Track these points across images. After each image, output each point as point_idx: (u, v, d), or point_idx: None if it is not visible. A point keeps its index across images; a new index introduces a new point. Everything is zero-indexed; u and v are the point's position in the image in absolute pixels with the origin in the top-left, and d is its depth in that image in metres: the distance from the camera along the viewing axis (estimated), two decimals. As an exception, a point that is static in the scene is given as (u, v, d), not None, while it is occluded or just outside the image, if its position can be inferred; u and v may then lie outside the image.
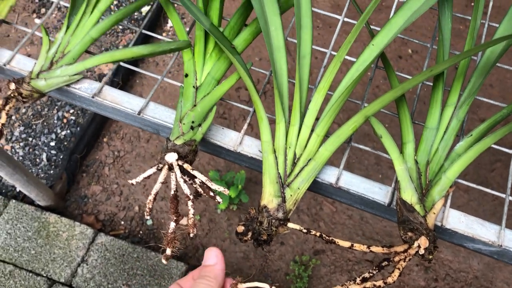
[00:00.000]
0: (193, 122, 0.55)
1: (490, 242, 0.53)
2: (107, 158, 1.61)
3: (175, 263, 1.38)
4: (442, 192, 0.53)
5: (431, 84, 0.60)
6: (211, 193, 0.51)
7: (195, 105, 0.57)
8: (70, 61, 0.59)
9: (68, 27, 0.61)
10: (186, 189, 0.51)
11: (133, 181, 0.52)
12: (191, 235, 0.50)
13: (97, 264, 1.38)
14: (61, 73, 0.58)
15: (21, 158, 1.56)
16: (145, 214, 0.53)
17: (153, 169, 0.52)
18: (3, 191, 1.50)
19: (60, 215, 1.43)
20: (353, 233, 1.53)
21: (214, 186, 0.51)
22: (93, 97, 0.59)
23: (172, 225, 0.50)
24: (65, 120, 1.63)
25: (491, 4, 0.71)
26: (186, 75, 0.59)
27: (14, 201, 1.43)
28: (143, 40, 1.72)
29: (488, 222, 0.54)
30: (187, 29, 0.66)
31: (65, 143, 1.59)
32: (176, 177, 0.51)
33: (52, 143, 1.58)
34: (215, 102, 0.58)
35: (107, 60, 0.59)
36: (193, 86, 0.58)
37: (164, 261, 0.49)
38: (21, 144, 1.58)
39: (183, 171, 0.52)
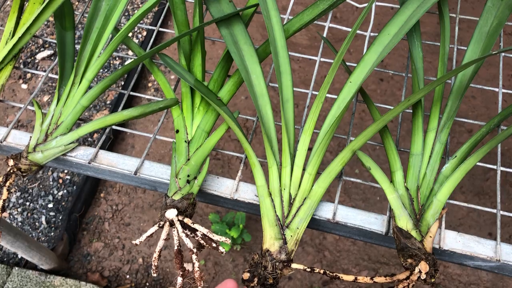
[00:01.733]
0: (188, 175, 0.57)
1: (488, 258, 0.54)
2: (106, 213, 1.61)
3: (185, 312, 1.37)
4: (436, 215, 0.55)
5: (410, 111, 0.63)
6: (213, 244, 0.53)
7: (188, 159, 0.59)
8: (64, 131, 0.61)
9: (59, 99, 0.63)
10: (188, 243, 0.52)
11: (137, 241, 0.53)
12: (199, 287, 0.51)
13: (107, 322, 1.36)
14: (57, 143, 0.60)
15: (20, 223, 1.56)
16: (152, 272, 0.54)
17: (155, 227, 0.53)
18: (5, 259, 1.50)
19: (65, 277, 1.42)
20: (359, 259, 1.53)
21: (215, 237, 0.52)
22: (89, 163, 0.61)
23: (179, 280, 0.52)
24: (60, 181, 1.64)
25: (456, 28, 0.75)
26: (177, 131, 0.61)
27: (17, 268, 1.43)
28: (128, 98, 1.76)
29: (483, 238, 0.56)
30: (173, 86, 0.69)
31: (63, 203, 1.59)
32: (178, 232, 0.53)
33: (50, 205, 1.59)
34: (207, 154, 0.60)
35: (100, 126, 0.61)
36: (185, 141, 0.60)
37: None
38: (19, 209, 1.59)
39: (184, 226, 0.53)
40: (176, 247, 0.53)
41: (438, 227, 0.55)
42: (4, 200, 0.57)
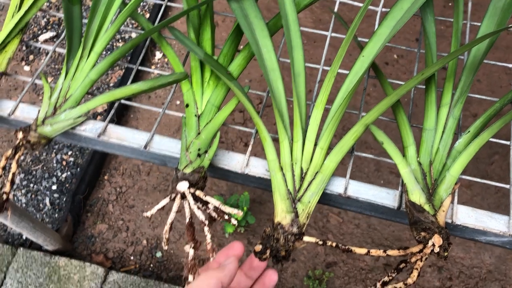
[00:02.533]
0: (199, 149, 0.57)
1: (501, 233, 0.54)
2: (110, 195, 1.61)
3: (189, 293, 1.38)
4: (449, 190, 0.55)
5: (423, 87, 0.62)
6: (226, 216, 0.52)
7: (199, 133, 0.58)
8: (73, 105, 0.60)
9: (67, 72, 0.62)
10: (200, 216, 0.52)
11: (148, 214, 0.53)
12: (211, 259, 0.51)
13: (111, 302, 1.37)
14: (66, 117, 0.59)
15: (24, 205, 1.56)
16: (163, 244, 0.54)
17: (167, 200, 0.53)
18: (10, 240, 1.50)
19: (70, 258, 1.43)
20: (362, 242, 1.53)
21: (228, 209, 0.52)
22: (98, 136, 0.60)
23: (191, 252, 0.51)
24: (64, 163, 1.63)
25: (470, 3, 0.74)
26: (187, 105, 0.61)
27: (22, 249, 1.43)
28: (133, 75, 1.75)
29: (496, 213, 0.55)
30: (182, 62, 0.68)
31: (67, 185, 1.59)
32: (189, 205, 0.52)
33: (54, 187, 1.59)
34: (218, 128, 0.59)
35: (109, 99, 0.60)
36: (195, 115, 0.60)
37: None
38: (23, 191, 1.59)
39: (196, 198, 0.53)
40: (187, 220, 0.53)
41: (450, 201, 0.55)
42: (13, 174, 0.57)
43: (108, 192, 1.61)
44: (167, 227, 0.53)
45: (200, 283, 0.45)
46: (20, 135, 0.57)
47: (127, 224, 1.56)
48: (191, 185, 0.53)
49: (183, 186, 0.53)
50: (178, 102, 1.76)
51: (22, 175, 1.61)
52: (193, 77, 0.62)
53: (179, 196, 0.53)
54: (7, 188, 0.57)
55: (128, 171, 1.65)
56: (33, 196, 1.58)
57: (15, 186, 1.59)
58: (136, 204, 1.59)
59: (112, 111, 0.63)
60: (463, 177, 0.58)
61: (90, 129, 0.61)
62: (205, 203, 0.53)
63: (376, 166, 1.62)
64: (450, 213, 0.56)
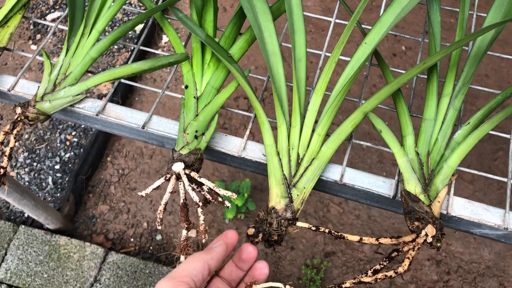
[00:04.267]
0: (196, 131, 0.57)
1: (496, 226, 0.54)
2: (112, 177, 1.62)
3: (187, 276, 1.39)
4: (445, 181, 0.54)
5: (425, 77, 0.62)
6: (220, 199, 0.52)
7: (197, 115, 0.58)
8: (73, 82, 0.60)
9: (68, 49, 0.62)
10: (194, 197, 0.52)
11: (143, 193, 0.53)
12: (203, 241, 0.51)
13: (110, 282, 1.38)
14: (65, 94, 0.59)
15: (27, 183, 1.57)
16: (157, 224, 0.54)
17: (161, 180, 0.53)
18: (12, 217, 1.52)
19: (70, 237, 1.44)
20: (362, 232, 1.53)
21: (221, 191, 0.52)
22: (97, 115, 0.60)
23: (184, 232, 0.52)
24: (68, 143, 1.64)
25: (477, -5, 0.73)
26: (186, 87, 0.60)
27: (23, 226, 1.44)
28: (139, 58, 1.75)
29: (492, 206, 0.55)
30: (183, 43, 0.67)
31: (70, 165, 1.60)
32: (184, 186, 0.52)
33: (57, 166, 1.60)
34: (216, 111, 0.59)
35: (109, 78, 0.60)
36: (194, 97, 0.59)
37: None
38: (26, 169, 1.60)
39: (191, 180, 0.53)
40: (182, 201, 0.53)
41: (446, 193, 0.54)
42: (11, 148, 0.57)
43: (110, 174, 1.62)
44: (161, 207, 0.53)
45: (186, 266, 0.46)
46: (18, 110, 0.57)
47: (128, 206, 1.57)
48: (187, 166, 0.53)
49: (178, 166, 0.52)
50: (183, 87, 1.75)
51: (25, 154, 1.62)
52: (193, 59, 0.62)
53: (174, 176, 0.53)
54: (4, 162, 0.57)
55: (131, 154, 1.66)
56: (36, 175, 1.59)
57: (18, 164, 1.60)
58: (138, 187, 1.60)
59: (112, 90, 0.63)
60: (464, 169, 0.58)
61: (89, 107, 0.61)
62: (200, 185, 0.53)
63: (379, 157, 1.61)
64: (446, 204, 0.55)
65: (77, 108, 0.61)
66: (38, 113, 0.58)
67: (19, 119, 0.57)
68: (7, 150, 0.57)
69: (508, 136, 0.61)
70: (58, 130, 1.66)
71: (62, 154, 1.62)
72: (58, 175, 1.59)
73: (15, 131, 0.57)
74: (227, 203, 0.52)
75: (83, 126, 1.68)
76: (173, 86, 1.77)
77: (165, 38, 1.86)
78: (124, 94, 1.69)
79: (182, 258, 0.50)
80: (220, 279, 0.51)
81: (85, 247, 1.42)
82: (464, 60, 0.62)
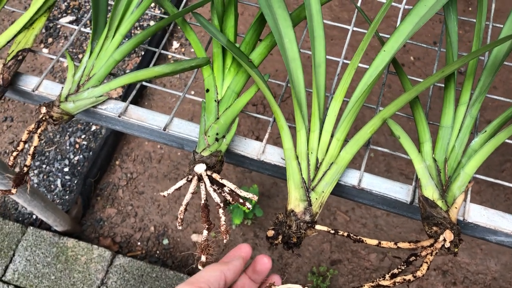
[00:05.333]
0: (217, 134, 0.58)
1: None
2: (120, 181, 1.63)
3: (194, 281, 1.39)
4: (462, 187, 0.55)
5: (441, 85, 0.63)
6: (240, 200, 0.53)
7: (218, 118, 0.59)
8: (96, 83, 0.62)
9: (91, 52, 0.63)
10: (216, 198, 0.53)
11: (165, 193, 0.54)
12: (225, 241, 0.52)
13: (116, 286, 1.39)
14: (88, 95, 0.61)
15: (36, 185, 1.58)
16: (178, 224, 0.55)
17: (183, 181, 0.54)
18: (20, 218, 1.52)
19: (78, 239, 1.45)
20: (368, 241, 1.54)
21: (243, 193, 0.53)
22: (119, 116, 0.61)
23: (205, 233, 0.52)
24: (77, 146, 1.65)
25: (493, 6, 0.74)
26: (207, 90, 0.62)
27: (31, 228, 1.45)
28: (148, 63, 1.76)
29: (508, 214, 0.56)
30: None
31: (79, 168, 1.61)
32: (205, 187, 0.53)
33: (66, 169, 1.61)
34: (237, 114, 0.60)
35: (131, 80, 0.62)
36: (215, 100, 0.61)
37: (200, 268, 0.51)
38: (35, 171, 1.61)
39: (212, 181, 0.54)
40: (203, 202, 0.54)
41: (463, 199, 0.55)
42: (35, 147, 0.58)
43: (118, 177, 1.63)
44: (182, 207, 0.54)
45: (204, 273, 0.46)
46: (43, 110, 0.58)
47: (136, 210, 1.58)
48: (208, 168, 0.54)
49: (200, 168, 0.53)
50: (193, 92, 1.77)
51: (35, 156, 1.63)
52: (214, 63, 0.63)
53: (196, 177, 0.54)
54: (28, 161, 0.58)
55: (140, 158, 1.67)
56: (45, 177, 1.60)
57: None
58: (146, 191, 1.61)
59: (134, 92, 0.64)
60: (477, 176, 0.59)
61: (111, 109, 0.62)
62: (221, 186, 0.54)
63: (386, 166, 1.62)
64: (462, 211, 0.56)
65: (99, 109, 0.62)
66: (62, 113, 0.59)
67: (43, 118, 0.58)
68: (31, 149, 0.58)
69: (523, 145, 0.62)
70: (68, 133, 1.68)
71: (71, 156, 1.63)
72: (67, 177, 1.60)
73: (39, 130, 0.58)
74: (248, 205, 0.53)
75: (93, 129, 1.69)
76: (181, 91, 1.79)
77: (175, 44, 1.88)
78: (133, 99, 1.70)
79: (203, 258, 0.51)
80: None
81: (92, 249, 1.43)
82: (479, 70, 0.63)
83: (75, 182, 1.58)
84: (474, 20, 0.74)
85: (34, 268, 1.40)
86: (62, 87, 0.62)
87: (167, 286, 1.40)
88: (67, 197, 1.56)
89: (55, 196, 1.57)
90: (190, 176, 0.54)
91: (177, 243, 1.53)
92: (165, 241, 1.53)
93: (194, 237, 1.55)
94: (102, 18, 0.67)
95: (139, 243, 1.53)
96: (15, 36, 0.65)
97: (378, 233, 1.54)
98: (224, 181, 0.53)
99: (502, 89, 1.71)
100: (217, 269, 0.47)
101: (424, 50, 1.79)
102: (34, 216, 1.52)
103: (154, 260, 1.49)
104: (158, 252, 1.52)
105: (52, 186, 1.58)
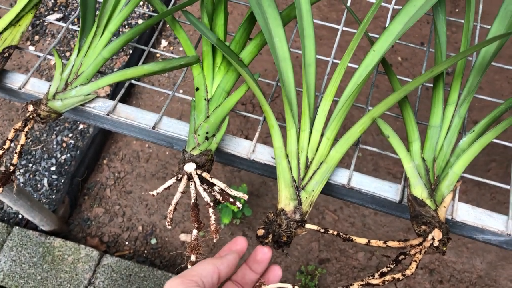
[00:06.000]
0: (207, 133, 0.58)
1: (499, 231, 0.55)
2: (108, 180, 1.62)
3: (182, 280, 1.39)
4: (450, 187, 0.56)
5: (429, 85, 0.63)
6: (231, 199, 0.53)
7: (208, 117, 0.59)
8: (84, 82, 0.61)
9: (79, 49, 0.63)
10: (206, 197, 0.53)
11: (154, 192, 0.53)
12: (214, 240, 0.52)
13: (104, 286, 1.38)
14: (76, 93, 0.60)
15: (22, 184, 1.56)
16: (167, 224, 0.54)
17: (173, 180, 0.54)
18: (5, 218, 1.50)
19: (65, 239, 1.43)
20: (356, 240, 1.55)
21: (233, 192, 0.53)
22: (108, 114, 0.61)
23: (194, 232, 0.52)
24: (64, 144, 1.64)
25: (481, 7, 0.75)
26: (197, 89, 0.61)
27: (17, 227, 1.43)
28: (136, 62, 1.75)
29: (495, 213, 0.56)
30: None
31: (66, 167, 1.59)
32: (195, 186, 0.53)
33: (53, 168, 1.59)
34: (227, 113, 0.60)
35: (120, 78, 0.61)
36: (205, 99, 0.60)
37: (189, 267, 0.50)
38: (21, 170, 1.59)
39: (202, 180, 0.54)
40: (192, 201, 0.53)
41: (451, 198, 0.56)
42: (22, 146, 0.57)
43: (106, 177, 1.62)
44: (171, 206, 0.54)
45: (196, 267, 0.46)
46: (31, 108, 0.57)
47: (124, 210, 1.56)
48: (198, 167, 0.54)
49: (190, 167, 0.53)
50: (181, 91, 1.76)
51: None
52: (204, 62, 0.63)
53: (185, 176, 0.53)
54: (14, 160, 0.57)
55: (128, 157, 1.66)
56: (31, 176, 1.58)
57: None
58: (134, 190, 1.60)
59: (123, 91, 0.63)
60: (464, 175, 0.59)
61: (100, 107, 0.61)
62: (211, 185, 0.54)
63: (374, 166, 1.63)
64: (451, 210, 0.56)
65: (87, 107, 0.61)
66: (50, 111, 0.58)
67: (31, 116, 0.57)
68: (18, 147, 0.58)
69: (509, 144, 0.63)
70: (55, 132, 1.66)
71: (58, 155, 1.61)
72: (54, 176, 1.58)
73: (26, 129, 0.57)
74: (238, 204, 0.53)
75: (80, 127, 1.67)
76: (170, 90, 1.78)
77: (163, 43, 1.87)
78: (122, 98, 1.69)
79: (193, 257, 0.51)
80: (233, 283, 0.51)
81: (79, 249, 1.42)
82: (467, 70, 0.64)
83: (62, 181, 1.57)
84: (461, 21, 0.75)
85: (20, 269, 1.38)
86: (50, 85, 0.62)
87: (155, 286, 1.39)
88: (54, 196, 1.55)
89: (41, 196, 1.55)
90: (180, 175, 0.54)
91: (165, 243, 1.53)
92: (153, 241, 1.52)
93: (183, 237, 1.54)
94: (91, 15, 0.66)
95: (127, 243, 1.52)
96: (1, 33, 0.64)
97: (366, 232, 1.55)
98: (214, 180, 0.53)
99: (488, 90, 1.73)
100: (210, 262, 0.47)
101: (412, 50, 1.81)
102: (20, 216, 1.50)
103: (142, 259, 1.49)
104: (146, 251, 1.51)
105: (38, 185, 1.57)
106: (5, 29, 0.64)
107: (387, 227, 1.56)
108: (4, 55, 0.62)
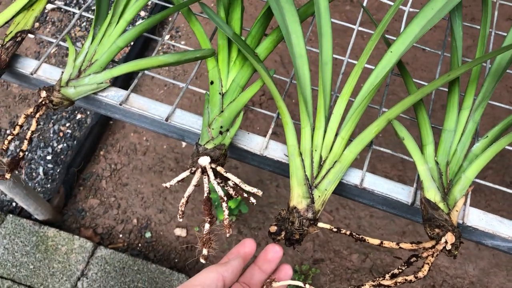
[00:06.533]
0: (221, 127, 0.57)
1: (509, 238, 0.55)
2: (104, 171, 1.60)
3: (176, 275, 1.38)
4: (463, 191, 0.56)
5: (445, 89, 0.63)
6: (245, 194, 0.53)
7: (222, 111, 0.58)
8: (98, 70, 0.60)
9: (93, 37, 0.62)
10: (220, 191, 0.52)
11: (167, 184, 0.53)
12: (227, 235, 0.51)
13: (97, 277, 1.36)
14: (89, 81, 0.59)
15: (17, 172, 1.54)
16: (178, 217, 0.54)
17: (187, 172, 0.53)
18: (-1, 206, 1.49)
19: (59, 229, 1.42)
20: (350, 242, 1.55)
21: (247, 187, 0.52)
22: (120, 104, 0.60)
23: (207, 226, 0.52)
24: (61, 134, 1.62)
25: (496, 13, 0.75)
26: (212, 82, 0.61)
27: (11, 215, 1.41)
28: (137, 53, 1.74)
29: (506, 219, 0.57)
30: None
31: (62, 157, 1.58)
32: (209, 180, 0.53)
33: (49, 157, 1.57)
34: (241, 108, 0.60)
35: (134, 68, 0.60)
36: (219, 93, 0.60)
37: (202, 261, 0.50)
38: (17, 158, 1.57)
39: (216, 174, 0.53)
40: (206, 195, 0.53)
41: (463, 203, 0.56)
42: (32, 132, 0.57)
43: (102, 168, 1.61)
44: (183, 200, 0.53)
45: (199, 276, 0.45)
46: (43, 94, 0.56)
47: (119, 202, 1.55)
48: (213, 161, 0.53)
49: (204, 160, 0.53)
50: (181, 86, 1.75)
51: (17, 142, 1.59)
52: (219, 55, 0.62)
53: (199, 170, 0.53)
54: (24, 146, 0.56)
55: (125, 149, 1.64)
56: (27, 164, 1.56)
57: (9, 153, 1.57)
58: (130, 183, 1.59)
59: (136, 81, 0.62)
60: (477, 180, 0.60)
61: (112, 96, 0.61)
62: (225, 180, 0.53)
63: (372, 169, 1.63)
64: (462, 214, 0.57)
65: (100, 96, 0.61)
66: (63, 98, 0.57)
67: (43, 102, 0.56)
68: (28, 133, 0.57)
69: (521, 152, 0.63)
70: (52, 121, 1.64)
71: (55, 144, 1.60)
72: (50, 166, 1.56)
73: (37, 115, 0.56)
74: (252, 199, 0.52)
75: (78, 117, 1.66)
76: (170, 85, 1.77)
77: (165, 37, 1.86)
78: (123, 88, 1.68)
79: (204, 251, 0.50)
80: (240, 284, 0.50)
81: (73, 240, 1.40)
82: (482, 75, 0.64)
83: (58, 171, 1.55)
84: (472, 26, 0.75)
85: (12, 257, 1.36)
86: (62, 72, 0.61)
87: (148, 280, 1.38)
88: (49, 185, 1.53)
89: (36, 184, 1.53)
90: (194, 169, 0.53)
91: (160, 237, 1.52)
92: (148, 234, 1.51)
93: (177, 231, 1.53)
94: (105, 3, 0.65)
95: (121, 235, 1.51)
96: (14, 17, 0.63)
97: (361, 234, 1.55)
98: (229, 175, 0.53)
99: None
100: (214, 270, 0.46)
101: (413, 55, 1.81)
102: (14, 204, 1.48)
103: (136, 253, 1.48)
104: (140, 245, 1.50)
105: (34, 174, 1.55)
106: (18, 13, 0.63)
107: (382, 230, 1.56)
108: (17, 39, 0.61)
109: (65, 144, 1.60)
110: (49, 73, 0.62)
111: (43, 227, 1.41)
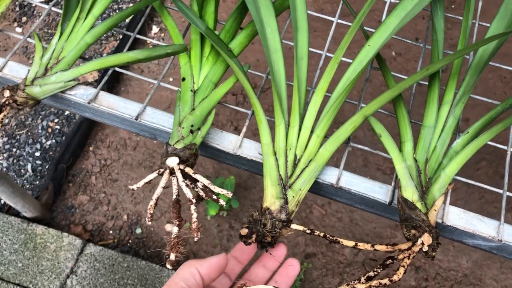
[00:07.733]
0: (192, 126, 0.55)
1: (490, 237, 0.54)
2: (94, 167, 1.59)
3: (166, 271, 1.37)
4: (442, 189, 0.54)
5: (425, 83, 0.61)
6: (214, 196, 0.51)
7: (193, 109, 0.56)
8: (65, 67, 0.58)
9: (61, 33, 0.60)
10: (188, 193, 0.50)
11: (134, 187, 0.51)
12: (195, 239, 0.50)
13: (86, 275, 1.35)
14: (56, 79, 0.57)
15: (5, 169, 1.52)
16: (147, 219, 0.52)
17: (154, 174, 0.51)
18: (-13, 203, 1.47)
19: (47, 226, 1.40)
20: (343, 235, 1.53)
21: (217, 189, 0.50)
22: (89, 103, 0.58)
23: (175, 229, 0.50)
24: (49, 130, 1.60)
25: (480, 4, 0.73)
26: (183, 79, 0.59)
27: (-1, 213, 1.40)
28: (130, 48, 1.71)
29: (487, 217, 0.55)
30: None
31: (51, 153, 1.56)
32: (177, 181, 0.51)
33: (37, 153, 1.56)
34: (213, 105, 0.58)
35: (103, 65, 0.58)
36: (191, 90, 0.58)
37: (169, 267, 0.48)
38: (5, 155, 1.55)
39: (185, 175, 0.51)
40: (174, 197, 0.51)
41: (443, 202, 0.54)
42: (-4, 133, 0.54)
43: (92, 164, 1.59)
44: (152, 202, 0.51)
45: (178, 271, 0.46)
46: (7, 93, 0.54)
47: (109, 198, 1.54)
48: (181, 161, 0.51)
49: (172, 161, 0.51)
50: (171, 79, 1.73)
51: (5, 139, 1.57)
52: (192, 51, 0.60)
53: (167, 171, 0.51)
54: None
55: (114, 144, 1.63)
56: (15, 161, 1.54)
57: (-4, 149, 1.55)
58: (120, 178, 1.57)
59: (105, 78, 0.60)
60: (457, 178, 0.58)
61: (81, 95, 0.59)
62: (194, 181, 0.51)
63: (364, 161, 1.61)
64: (441, 213, 0.55)
65: (68, 94, 0.59)
66: (28, 98, 0.55)
67: (6, 102, 0.54)
68: (-8, 134, 0.55)
69: (503, 146, 0.61)
70: (40, 117, 1.62)
71: (43, 141, 1.58)
72: (38, 162, 1.54)
73: (1, 115, 0.54)
74: (221, 201, 0.51)
75: (66, 113, 1.64)
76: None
77: (154, 29, 1.83)
78: (110, 84, 1.65)
79: (172, 256, 0.49)
80: (245, 281, 0.50)
81: (62, 237, 1.39)
82: (464, 69, 0.62)
83: (47, 167, 1.53)
84: (457, 18, 0.73)
85: (1, 255, 1.35)
86: (29, 70, 0.59)
87: (138, 276, 1.37)
88: (37, 182, 1.51)
89: (25, 181, 1.52)
90: (162, 170, 0.51)
91: (150, 233, 1.50)
92: (138, 230, 1.50)
93: (168, 227, 1.52)
94: (74, -2, 0.63)
95: (111, 232, 1.49)
96: (-21, 13, 0.61)
97: (353, 228, 1.54)
98: (198, 176, 0.51)
99: (480, 88, 1.72)
100: (189, 265, 0.46)
101: (406, 45, 1.79)
102: (1, 201, 1.46)
103: (126, 249, 1.46)
104: (130, 241, 1.49)
105: (22, 170, 1.53)
106: (-17, 9, 0.60)
107: (375, 223, 1.55)
108: (-19, 37, 0.59)
109: (53, 140, 1.58)
110: (15, 71, 0.60)
111: (31, 225, 1.39)
